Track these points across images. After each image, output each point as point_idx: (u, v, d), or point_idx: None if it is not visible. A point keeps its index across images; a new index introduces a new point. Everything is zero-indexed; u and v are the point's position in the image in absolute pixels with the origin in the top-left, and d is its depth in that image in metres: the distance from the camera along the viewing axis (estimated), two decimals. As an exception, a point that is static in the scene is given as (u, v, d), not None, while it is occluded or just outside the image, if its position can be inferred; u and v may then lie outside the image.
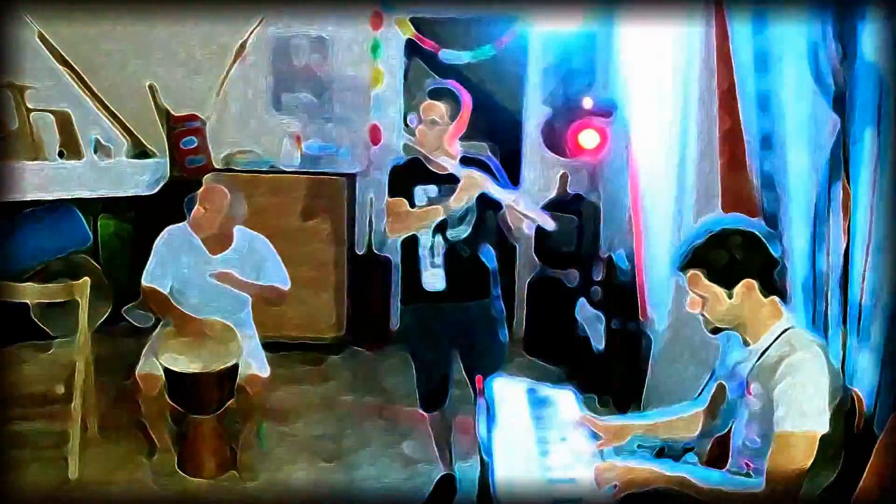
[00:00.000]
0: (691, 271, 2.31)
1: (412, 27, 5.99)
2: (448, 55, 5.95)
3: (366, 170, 6.12)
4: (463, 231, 3.47)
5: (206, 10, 6.12)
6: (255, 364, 3.92)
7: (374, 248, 6.14)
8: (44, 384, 4.07)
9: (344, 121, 6.16)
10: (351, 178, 5.97)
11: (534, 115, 5.96)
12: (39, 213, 5.77)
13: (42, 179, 5.66)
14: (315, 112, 6.24)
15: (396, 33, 6.02)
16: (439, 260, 3.47)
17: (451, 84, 3.50)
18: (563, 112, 5.24)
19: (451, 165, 3.37)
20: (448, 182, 3.39)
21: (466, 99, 3.44)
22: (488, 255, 3.58)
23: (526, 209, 3.35)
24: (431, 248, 3.48)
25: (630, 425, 2.68)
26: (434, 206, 3.38)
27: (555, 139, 5.30)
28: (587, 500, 2.25)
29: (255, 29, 6.16)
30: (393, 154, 6.11)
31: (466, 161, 3.44)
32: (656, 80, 4.19)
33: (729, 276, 2.26)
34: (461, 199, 3.31)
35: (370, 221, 6.15)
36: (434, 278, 3.49)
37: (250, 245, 4.09)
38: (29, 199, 5.57)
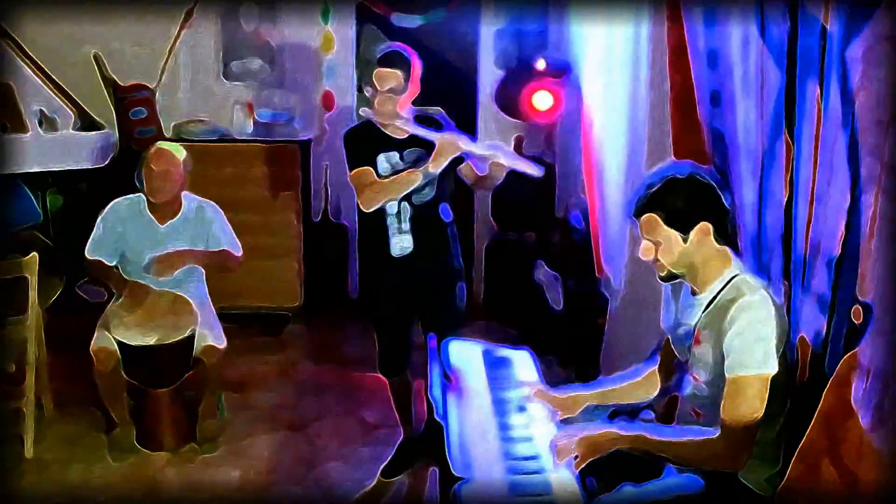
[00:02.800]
0: (648, 215, 2.30)
1: (362, -12, 5.91)
2: (400, 19, 5.88)
3: (320, 136, 6.06)
4: (427, 194, 3.45)
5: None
6: (210, 335, 3.89)
7: (329, 215, 6.10)
8: (-6, 363, 4.01)
9: (296, 87, 6.08)
10: (305, 144, 5.91)
11: (487, 78, 5.93)
12: (-16, 189, 5.64)
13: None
14: (266, 79, 6.16)
15: (347, -4, 5.94)
16: (406, 225, 3.46)
17: (399, 46, 3.44)
18: (516, 74, 5.23)
19: (419, 130, 3.33)
20: (409, 146, 3.37)
21: (416, 61, 3.39)
22: (445, 212, 3.57)
23: (509, 161, 3.34)
24: (398, 213, 3.45)
25: (581, 395, 2.68)
26: (412, 172, 3.31)
27: (509, 101, 5.29)
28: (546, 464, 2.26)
29: (202, -5, 6.04)
30: (346, 120, 6.06)
31: (420, 120, 3.41)
32: (607, 39, 4.18)
33: (686, 219, 2.26)
34: (440, 164, 3.26)
35: (325, 188, 6.10)
36: (402, 244, 3.47)
37: (198, 212, 4.03)
38: (-28, 175, 5.44)
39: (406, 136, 3.38)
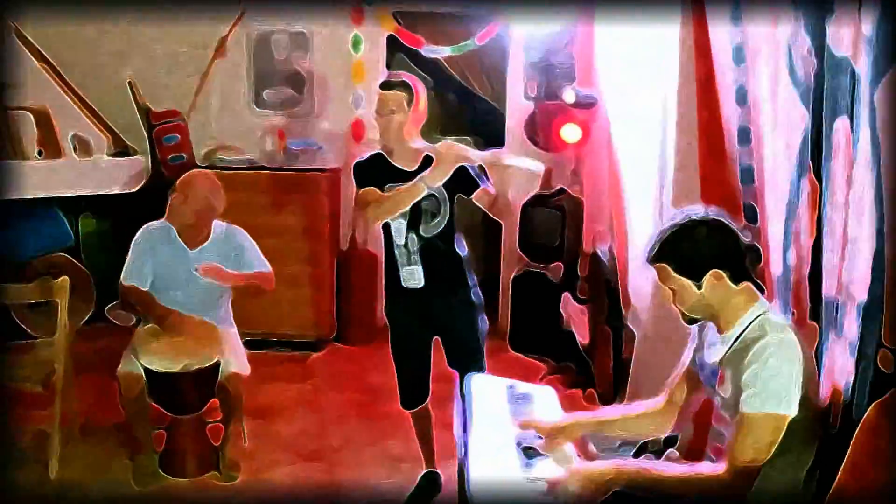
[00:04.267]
0: (660, 265, 2.32)
1: (394, 22, 5.96)
2: (429, 50, 5.93)
3: (348, 165, 6.08)
4: (437, 226, 3.45)
5: (186, 5, 6.11)
6: (236, 363, 3.91)
7: (357, 243, 6.12)
8: (24, 384, 4.04)
9: (326, 116, 6.14)
10: (334, 173, 5.95)
11: (516, 110, 5.95)
12: (19, 213, 5.73)
13: (21, 178, 5.62)
14: (297, 107, 6.21)
15: (378, 28, 5.99)
16: (415, 257, 3.45)
17: (401, 74, 3.50)
18: (544, 106, 5.24)
19: (420, 145, 3.35)
20: (417, 174, 3.36)
21: (419, 87, 3.41)
22: (460, 245, 3.57)
23: (511, 161, 3.33)
24: (405, 245, 3.45)
25: (576, 423, 2.65)
26: (412, 184, 3.28)
27: (537, 134, 5.30)
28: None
29: (235, 24, 6.13)
30: (375, 150, 6.11)
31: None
32: (636, 73, 4.18)
33: (695, 267, 2.27)
34: (440, 172, 3.22)
35: (354, 216, 6.13)
36: (411, 275, 3.47)
37: (228, 237, 4.07)
38: (9, 198, 5.53)
39: (415, 167, 3.37)
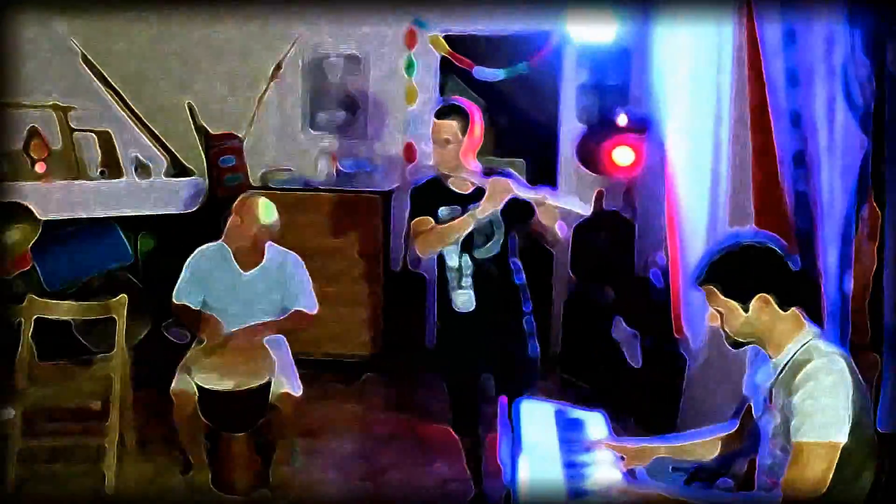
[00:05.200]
0: (707, 287, 2.30)
1: (446, 45, 6.01)
2: (482, 72, 5.95)
3: (401, 187, 6.13)
4: (490, 250, 3.45)
5: (243, 29, 6.25)
6: (287, 382, 3.94)
7: (408, 265, 6.15)
8: (82, 399, 4.13)
9: (379, 138, 6.19)
10: (386, 195, 5.99)
11: (568, 132, 5.93)
12: (81, 231, 5.88)
13: (84, 198, 5.77)
14: (350, 130, 6.27)
15: (430, 51, 6.04)
16: (467, 281, 3.45)
17: (456, 99, 3.51)
18: (597, 128, 5.22)
19: (474, 178, 3.36)
20: (471, 200, 3.37)
21: (475, 113, 3.42)
22: (517, 271, 3.56)
23: (558, 201, 3.33)
24: (458, 268, 3.45)
25: (652, 447, 2.65)
26: (462, 217, 3.34)
27: (590, 155, 5.29)
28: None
29: (290, 48, 6.23)
30: (427, 172, 6.14)
31: (486, 175, 3.41)
32: (690, 94, 4.15)
33: (743, 290, 2.25)
34: (488, 208, 3.27)
35: (405, 239, 6.16)
36: (463, 299, 3.47)
37: (281, 263, 4.13)
38: (71, 216, 5.69)
39: (470, 190, 3.40)
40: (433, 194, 3.47)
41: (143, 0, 6.09)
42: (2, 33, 5.82)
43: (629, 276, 5.16)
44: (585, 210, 3.38)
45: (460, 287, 3.46)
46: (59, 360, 5.43)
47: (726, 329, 2.33)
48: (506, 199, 3.26)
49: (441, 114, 3.41)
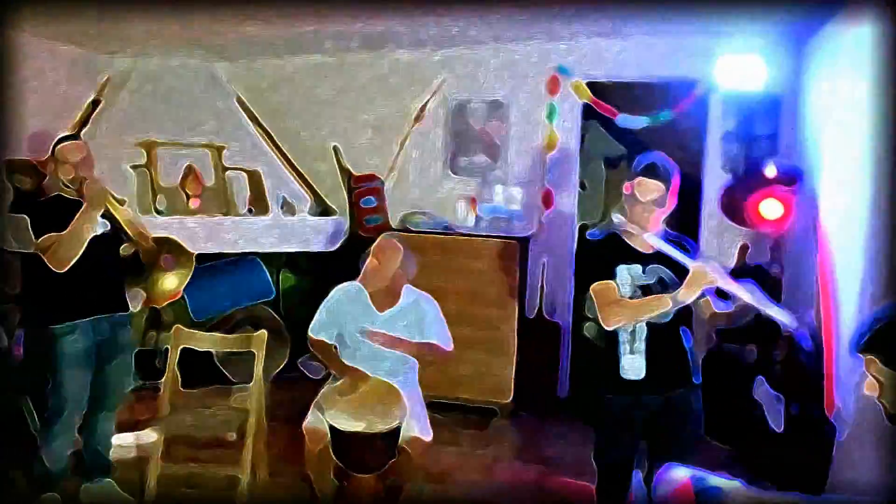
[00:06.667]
0: (868, 356, 2.15)
1: (589, 91, 5.97)
2: (625, 120, 5.87)
3: (538, 233, 6.10)
4: (667, 315, 3.21)
5: (392, 75, 6.43)
6: (417, 426, 3.93)
7: (544, 313, 6.08)
8: (218, 429, 4.25)
9: (518, 184, 6.18)
10: (523, 241, 5.97)
11: (713, 182, 5.76)
12: (227, 265, 6.14)
13: (232, 233, 6.04)
14: (490, 175, 6.30)
15: (573, 97, 6.02)
16: (641, 346, 3.25)
17: (662, 157, 3.29)
18: (743, 179, 5.05)
19: (672, 251, 3.15)
20: (653, 261, 3.22)
21: (678, 175, 3.24)
22: (686, 336, 3.34)
23: (761, 305, 3.11)
24: (633, 332, 3.25)
25: None
26: (660, 297, 3.13)
27: (734, 207, 5.11)
28: None
29: (434, 92, 6.35)
30: (565, 219, 6.10)
31: (668, 240, 3.24)
32: (843, 146, 3.95)
33: None
34: (692, 293, 3.06)
35: (541, 285, 6.10)
36: (634, 365, 3.26)
37: (416, 304, 4.15)
38: (218, 251, 5.96)
39: (651, 251, 3.22)
40: (612, 251, 3.28)
41: (292, 49, 6.35)
42: (161, 75, 6.22)
43: (774, 335, 4.92)
44: (793, 322, 3.16)
45: (632, 353, 3.26)
46: (200, 386, 5.68)
47: (884, 402, 2.17)
48: (705, 288, 3.08)
49: (651, 172, 3.21)
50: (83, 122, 6.06)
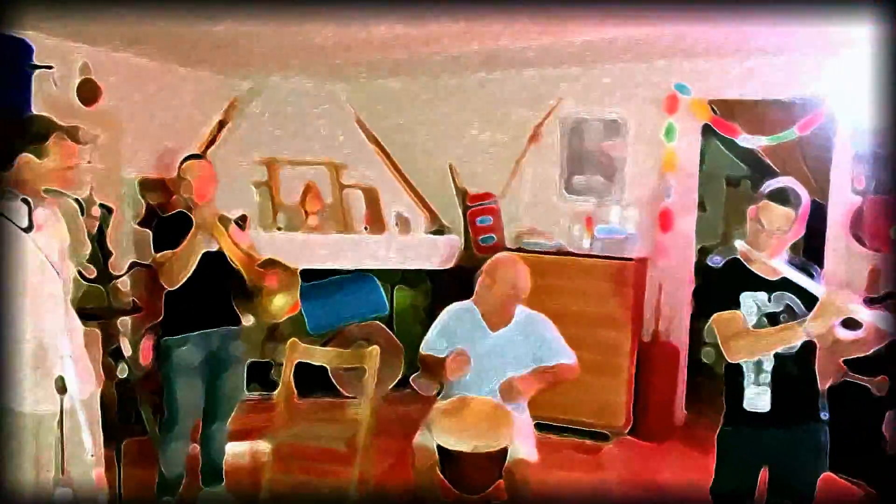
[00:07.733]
0: None
1: (709, 110, 5.81)
2: (746, 139, 5.69)
3: (655, 255, 5.96)
4: (795, 345, 3.05)
5: (503, 93, 6.46)
6: (524, 448, 3.89)
7: (660, 335, 5.94)
8: (329, 441, 4.32)
9: (635, 205, 6.06)
10: (640, 263, 5.85)
11: (840, 204, 5.49)
12: (343, 282, 6.28)
13: (349, 250, 6.17)
14: (607, 195, 6.21)
15: (692, 116, 5.87)
16: (766, 377, 3.10)
17: (792, 183, 3.14)
18: (875, 202, 4.80)
19: (801, 278, 2.98)
20: (778, 287, 3.07)
21: (807, 201, 3.09)
22: (812, 368, 3.18)
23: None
24: (758, 363, 3.10)
25: None
26: (790, 327, 2.96)
27: (864, 231, 4.86)
28: None
29: (551, 112, 6.32)
30: (684, 240, 5.94)
31: (794, 265, 3.07)
32: None
33: None
34: (824, 324, 2.87)
35: (658, 308, 5.96)
36: (758, 398, 3.11)
37: (530, 323, 4.12)
38: (335, 268, 6.10)
39: (776, 277, 3.07)
40: (735, 278, 3.15)
41: (409, 70, 6.46)
42: (284, 97, 6.44)
43: (907, 366, 4.65)
44: None
45: (758, 384, 3.11)
46: (316, 395, 5.82)
47: None
48: (841, 318, 2.90)
49: (780, 198, 3.07)
50: (210, 142, 6.34)
